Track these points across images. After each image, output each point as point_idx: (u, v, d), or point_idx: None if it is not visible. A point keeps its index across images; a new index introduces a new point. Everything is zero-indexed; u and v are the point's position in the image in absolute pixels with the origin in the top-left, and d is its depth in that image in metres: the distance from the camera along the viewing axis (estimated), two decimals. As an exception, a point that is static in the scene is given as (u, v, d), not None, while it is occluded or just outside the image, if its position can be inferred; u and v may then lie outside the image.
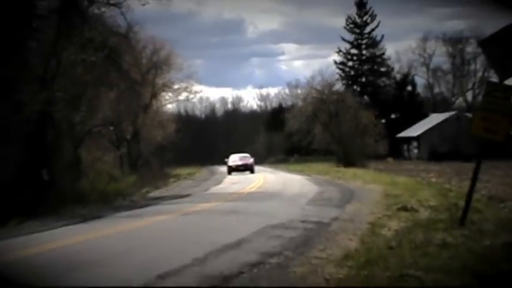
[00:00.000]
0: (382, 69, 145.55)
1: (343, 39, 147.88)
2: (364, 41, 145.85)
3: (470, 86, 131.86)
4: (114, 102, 69.82)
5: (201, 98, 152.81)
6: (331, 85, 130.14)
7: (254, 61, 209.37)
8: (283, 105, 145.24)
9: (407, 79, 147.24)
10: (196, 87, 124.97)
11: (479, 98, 35.04)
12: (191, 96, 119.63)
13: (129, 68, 70.83)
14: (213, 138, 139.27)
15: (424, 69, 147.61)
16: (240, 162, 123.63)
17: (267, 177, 79.30)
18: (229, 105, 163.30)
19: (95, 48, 59.18)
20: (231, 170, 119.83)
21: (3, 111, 49.63)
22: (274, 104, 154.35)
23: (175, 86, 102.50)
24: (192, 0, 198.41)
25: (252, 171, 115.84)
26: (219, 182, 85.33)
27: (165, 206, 47.90)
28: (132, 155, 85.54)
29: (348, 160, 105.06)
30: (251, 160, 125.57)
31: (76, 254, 27.05)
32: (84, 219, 40.24)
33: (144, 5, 59.93)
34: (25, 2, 53.19)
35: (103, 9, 58.89)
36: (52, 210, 44.83)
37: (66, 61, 55.88)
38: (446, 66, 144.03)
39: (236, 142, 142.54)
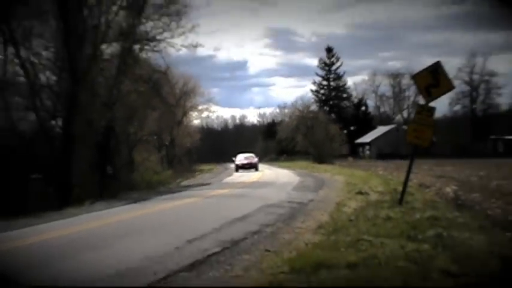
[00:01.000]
0: (344, 95, 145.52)
1: (317, 74, 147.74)
2: (331, 76, 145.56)
3: (405, 107, 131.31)
4: (156, 119, 70.05)
5: (217, 116, 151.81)
6: (308, 106, 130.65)
7: (254, 89, 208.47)
8: (275, 120, 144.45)
9: (361, 102, 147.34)
10: (214, 108, 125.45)
11: (412, 115, 35.32)
12: (210, 114, 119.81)
13: (166, 95, 71.23)
14: (225, 144, 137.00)
15: (373, 95, 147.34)
16: (245, 161, 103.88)
17: (264, 171, 78.81)
18: (237, 121, 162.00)
19: (143, 81, 59.72)
20: (238, 168, 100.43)
21: (81, 126, 50.03)
22: (269, 120, 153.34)
23: (199, 107, 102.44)
24: (210, 47, 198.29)
25: (256, 169, 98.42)
26: (230, 174, 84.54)
27: (192, 192, 47.95)
28: (169, 156, 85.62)
29: (320, 159, 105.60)
30: (255, 159, 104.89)
31: (131, 224, 27.59)
32: (135, 201, 40.43)
33: (178, 51, 60.03)
34: (95, 49, 53.52)
35: (149, 54, 59.10)
36: (113, 195, 45.14)
37: (123, 91, 56.24)
38: (389, 93, 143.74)
39: (242, 147, 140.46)
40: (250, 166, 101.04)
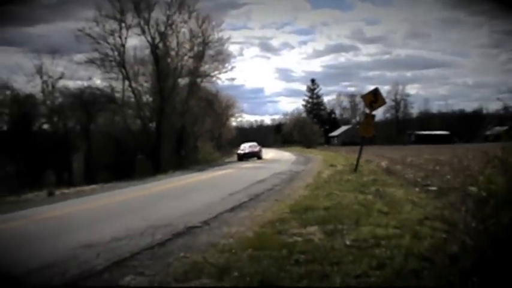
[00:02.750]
0: (322, 107, 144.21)
1: (305, 95, 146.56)
2: (314, 96, 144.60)
3: (357, 114, 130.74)
4: (210, 122, 69.93)
5: (247, 120, 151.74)
6: (300, 114, 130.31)
7: (268, 104, 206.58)
8: (281, 122, 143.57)
9: (332, 111, 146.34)
10: (244, 115, 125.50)
11: (362, 119, 35.64)
12: (242, 119, 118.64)
13: (216, 108, 71.14)
14: (251, 136, 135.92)
15: (338, 107, 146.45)
16: (248, 150, 70.25)
17: (274, 153, 78.79)
18: (258, 123, 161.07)
19: (203, 100, 59.77)
20: (240, 157, 65.36)
21: (166, 127, 50.09)
22: (277, 122, 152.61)
23: (236, 115, 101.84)
24: (242, 79, 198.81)
25: (259, 157, 65.00)
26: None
27: (231, 165, 47.78)
28: (218, 144, 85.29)
29: (308, 145, 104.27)
30: (258, 148, 71.00)
31: (195, 184, 27.50)
32: (199, 170, 40.56)
33: (223, 82, 60.10)
34: (174, 82, 53.57)
35: (206, 84, 59.21)
36: (185, 167, 45.05)
37: (191, 106, 56.24)
38: (348, 106, 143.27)
39: (260, 139, 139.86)
40: (252, 155, 64.58)
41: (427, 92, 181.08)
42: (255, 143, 64.68)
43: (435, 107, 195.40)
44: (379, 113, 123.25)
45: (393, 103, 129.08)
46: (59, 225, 15.00)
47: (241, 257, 8.49)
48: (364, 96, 28.28)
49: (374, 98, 26.93)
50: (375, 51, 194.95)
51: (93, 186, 32.65)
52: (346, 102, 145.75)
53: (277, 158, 58.24)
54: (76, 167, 55.40)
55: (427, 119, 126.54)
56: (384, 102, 29.15)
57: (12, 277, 7.48)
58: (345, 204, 13.82)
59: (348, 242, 9.12)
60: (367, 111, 27.97)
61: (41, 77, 52.96)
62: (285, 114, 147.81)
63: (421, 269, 7.33)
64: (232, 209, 15.38)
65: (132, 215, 15.66)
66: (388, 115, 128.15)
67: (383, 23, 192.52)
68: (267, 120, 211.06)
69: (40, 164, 50.98)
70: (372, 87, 34.68)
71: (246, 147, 62.62)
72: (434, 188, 16.90)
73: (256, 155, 59.86)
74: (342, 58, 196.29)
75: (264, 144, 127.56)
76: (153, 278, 7.74)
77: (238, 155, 60.43)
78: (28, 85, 52.72)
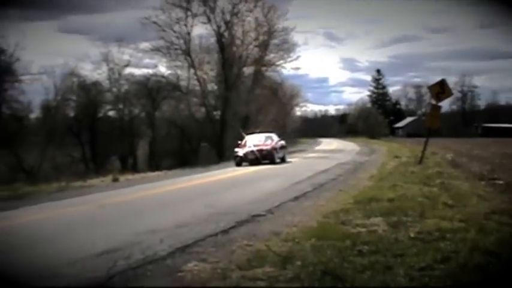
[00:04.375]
0: (387, 98, 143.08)
1: (370, 85, 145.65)
2: (379, 86, 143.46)
3: (423, 105, 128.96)
4: (275, 111, 69.84)
5: (311, 110, 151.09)
6: (365, 104, 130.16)
7: (333, 94, 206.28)
8: (345, 112, 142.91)
9: (397, 102, 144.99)
10: (308, 105, 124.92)
11: (427, 110, 35.29)
12: (306, 108, 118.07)
13: (281, 97, 71.13)
14: (315, 126, 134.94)
15: (404, 98, 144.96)
16: (253, 148, 34.30)
17: (338, 144, 78.23)
18: (322, 113, 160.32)
19: (267, 89, 59.81)
20: (239, 161, 33.96)
21: (230, 116, 50.18)
22: (341, 112, 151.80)
23: (300, 104, 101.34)
24: (306, 68, 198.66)
25: (273, 162, 33.59)
26: (319, 145, 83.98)
27: (295, 155, 47.71)
28: (282, 133, 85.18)
29: (372, 136, 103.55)
30: (274, 143, 35.70)
31: (259, 173, 27.52)
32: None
33: (288, 71, 60.07)
34: (239, 70, 53.67)
35: (271, 73, 59.17)
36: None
37: (255, 94, 56.29)
38: (413, 97, 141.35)
39: (326, 128, 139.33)
40: (262, 156, 33.95)
41: (495, 83, 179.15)
42: (271, 135, 36.98)
43: (503, 99, 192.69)
44: (445, 105, 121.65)
45: (460, 94, 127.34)
46: (123, 210, 15.22)
47: (304, 246, 8.51)
48: (431, 87, 27.94)
49: (441, 89, 26.63)
50: (442, 41, 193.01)
51: (157, 172, 33.03)
52: (411, 93, 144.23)
53: (341, 149, 58.04)
54: (140, 154, 56.00)
55: (495, 112, 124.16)
56: (450, 94, 28.91)
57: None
58: (409, 196, 13.72)
59: (412, 234, 9.06)
60: (433, 102, 27.67)
61: (108, 65, 53.67)
62: (350, 105, 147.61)
63: (486, 263, 7.24)
64: (295, 198, 15.40)
65: (196, 202, 15.81)
66: (454, 107, 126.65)
67: (450, 12, 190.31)
68: (331, 110, 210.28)
69: (105, 150, 51.73)
70: (437, 78, 34.40)
71: (251, 143, 34.82)
72: (501, 182, 16.68)
73: (269, 157, 33.56)
74: (408, 48, 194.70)
75: (328, 134, 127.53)
76: (215, 265, 7.78)
77: (237, 157, 33.95)
78: (95, 72, 53.44)
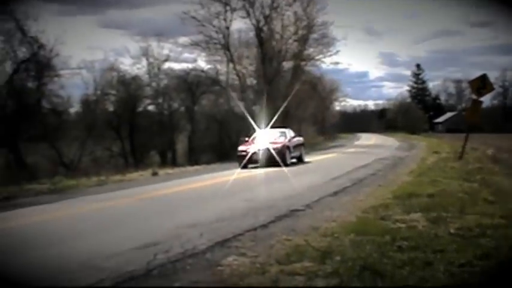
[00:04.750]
0: (426, 93, 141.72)
1: (410, 80, 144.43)
2: (418, 81, 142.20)
3: (463, 100, 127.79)
4: (314, 106, 69.75)
5: (350, 105, 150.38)
6: (405, 99, 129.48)
7: (372, 89, 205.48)
8: (385, 107, 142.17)
9: (436, 97, 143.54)
10: (348, 100, 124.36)
11: (468, 105, 34.92)
12: (345, 103, 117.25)
13: (320, 92, 71.12)
14: (354, 122, 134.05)
15: (444, 93, 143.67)
16: (260, 147, 28.23)
17: (378, 139, 77.96)
18: (362, 108, 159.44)
19: (306, 83, 59.80)
20: (244, 161, 27.70)
21: (270, 110, 50.24)
22: (380, 107, 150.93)
23: (339, 99, 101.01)
24: (344, 63, 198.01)
25: (284, 163, 26.81)
26: (358, 140, 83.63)
27: (334, 149, 47.79)
28: (321, 128, 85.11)
29: (412, 132, 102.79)
30: (286, 140, 29.41)
31: (300, 168, 27.55)
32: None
33: (327, 65, 60.10)
34: (278, 65, 53.72)
35: (310, 67, 59.20)
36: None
37: (294, 89, 56.29)
38: (453, 91, 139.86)
39: (365, 123, 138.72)
40: (269, 157, 27.58)
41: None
42: (285, 130, 31.55)
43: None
44: (486, 100, 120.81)
45: (501, 89, 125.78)
46: (162, 204, 15.35)
47: (343, 241, 8.51)
48: (472, 82, 27.69)
49: (482, 84, 26.38)
50: (483, 35, 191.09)
51: (196, 167, 33.15)
52: (451, 88, 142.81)
53: (380, 144, 57.82)
54: (179, 148, 56.21)
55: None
56: (492, 89, 28.66)
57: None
58: (449, 192, 13.64)
59: (452, 230, 9.02)
60: (474, 97, 27.43)
61: (147, 59, 53.95)
62: (389, 100, 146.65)
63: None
64: (334, 193, 15.40)
65: (236, 196, 15.86)
66: (495, 102, 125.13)
67: (491, 6, 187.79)
68: (371, 105, 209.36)
69: (144, 145, 52.01)
70: (478, 73, 34.15)
71: (260, 140, 29.43)
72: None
73: (279, 158, 27.21)
74: (448, 43, 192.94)
75: (367, 129, 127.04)
76: (254, 259, 7.81)
77: (240, 157, 28.11)
78: (134, 67, 53.73)
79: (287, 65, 56.49)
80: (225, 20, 51.24)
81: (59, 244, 9.92)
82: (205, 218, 11.76)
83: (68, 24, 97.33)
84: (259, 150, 28.08)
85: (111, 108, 53.22)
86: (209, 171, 27.76)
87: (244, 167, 27.44)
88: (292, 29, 54.74)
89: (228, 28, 51.54)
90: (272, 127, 33.48)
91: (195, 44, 52.28)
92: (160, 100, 54.42)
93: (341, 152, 42.64)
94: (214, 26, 51.40)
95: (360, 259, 7.23)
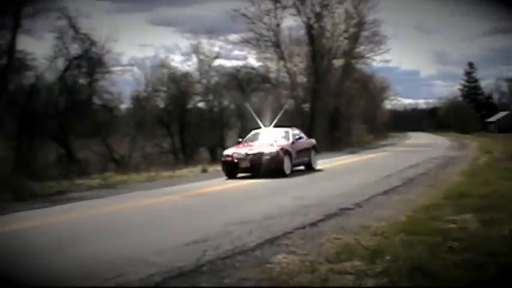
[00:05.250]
0: (479, 92, 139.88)
1: (462, 79, 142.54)
2: (471, 80, 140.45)
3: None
4: (364, 104, 69.52)
5: (401, 103, 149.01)
6: (456, 98, 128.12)
7: (423, 88, 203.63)
8: (436, 106, 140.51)
9: (489, 96, 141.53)
10: (399, 99, 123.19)
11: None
12: (396, 102, 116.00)
13: (371, 90, 70.88)
14: (406, 120, 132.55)
15: (497, 92, 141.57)
16: (249, 151, 22.27)
17: (428, 138, 77.18)
18: (412, 107, 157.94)
19: (357, 81, 59.61)
20: (229, 167, 22.44)
21: (320, 108, 50.20)
22: (431, 106, 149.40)
23: (390, 98, 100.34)
24: (394, 61, 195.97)
25: (280, 172, 21.48)
26: (408, 139, 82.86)
27: (384, 148, 47.53)
28: (371, 127, 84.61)
29: (463, 131, 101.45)
30: (287, 143, 23.25)
31: (349, 165, 27.49)
32: (350, 152, 40.67)
33: (378, 63, 59.92)
34: (329, 63, 53.58)
35: (361, 65, 59.25)
36: (338, 149, 44.99)
37: (344, 87, 56.14)
38: (507, 90, 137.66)
39: (415, 122, 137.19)
40: (258, 165, 21.76)
41: None
42: (289, 130, 25.00)
43: None
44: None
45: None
46: (213, 201, 15.46)
47: (393, 241, 8.44)
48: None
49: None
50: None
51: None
52: (504, 87, 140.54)
53: (431, 143, 57.25)
54: (229, 145, 56.36)
55: None
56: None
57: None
58: (502, 193, 13.43)
59: (505, 233, 8.90)
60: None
61: (197, 56, 54.17)
62: (440, 98, 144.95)
63: None
64: (384, 192, 15.33)
65: (285, 193, 15.92)
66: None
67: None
68: (422, 104, 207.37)
69: (194, 141, 52.21)
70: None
71: (254, 143, 23.93)
72: None
73: (274, 165, 21.86)
74: (502, 41, 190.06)
75: (418, 128, 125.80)
76: (304, 258, 7.80)
77: (226, 163, 22.69)
78: (184, 64, 54.08)
79: (337, 62, 56.38)
80: (275, 17, 51.38)
81: (108, 239, 10.09)
82: (255, 215, 11.84)
83: (119, 22, 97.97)
84: (247, 155, 22.14)
85: (161, 104, 53.59)
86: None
87: (231, 175, 22.21)
88: (342, 26, 54.62)
89: (278, 25, 51.69)
90: (276, 126, 26.77)
91: (245, 42, 52.56)
92: (210, 97, 54.62)
93: (391, 151, 42.39)
94: (264, 24, 51.59)
95: (410, 259, 7.16)
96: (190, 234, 9.86)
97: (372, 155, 36.95)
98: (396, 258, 7.26)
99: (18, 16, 23.06)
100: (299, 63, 55.01)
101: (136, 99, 50.43)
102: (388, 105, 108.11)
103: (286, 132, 24.76)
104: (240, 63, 56.06)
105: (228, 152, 23.32)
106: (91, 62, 37.08)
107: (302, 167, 24.51)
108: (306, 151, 24.76)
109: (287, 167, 22.29)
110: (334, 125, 54.80)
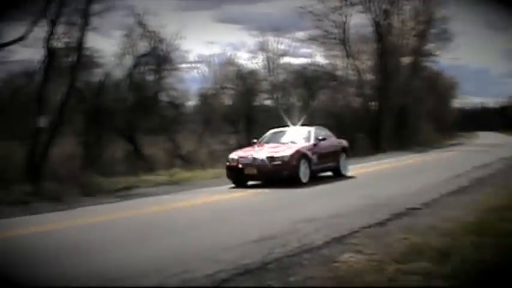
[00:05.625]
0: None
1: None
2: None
3: None
4: (433, 103, 68.83)
5: (470, 102, 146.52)
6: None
7: (493, 86, 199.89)
8: (507, 105, 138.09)
9: None
10: (468, 97, 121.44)
11: None
12: (465, 101, 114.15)
13: (439, 89, 70.24)
14: (474, 119, 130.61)
15: None
16: (257, 156, 18.91)
17: (498, 138, 75.91)
18: (482, 106, 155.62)
19: (425, 79, 59.07)
20: (235, 176, 19.26)
21: (387, 106, 49.80)
22: (502, 105, 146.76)
23: (459, 97, 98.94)
24: (464, 58, 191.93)
25: (295, 180, 18.32)
26: (477, 138, 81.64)
27: (453, 147, 47.13)
28: (439, 126, 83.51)
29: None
30: (305, 145, 19.92)
31: (420, 164, 27.22)
32: (419, 151, 40.33)
33: (446, 62, 59.26)
34: (397, 61, 53.14)
35: (429, 63, 58.69)
36: (405, 148, 44.59)
37: (412, 86, 55.61)
38: None
39: (485, 122, 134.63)
40: (267, 172, 18.57)
41: None
42: (312, 130, 21.82)
43: None
44: None
45: None
46: (280, 198, 15.54)
47: (462, 242, 8.33)
48: None
49: None
50: None
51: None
52: None
53: (502, 143, 56.20)
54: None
55: None
56: None
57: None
58: None
59: None
60: None
61: (264, 54, 54.22)
62: (511, 97, 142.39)
63: None
64: (453, 193, 15.17)
65: (352, 192, 15.96)
66: None
67: None
68: (491, 103, 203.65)
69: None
70: None
71: (269, 145, 20.59)
72: None
73: (286, 172, 18.63)
74: None
75: (487, 128, 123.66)
76: (371, 257, 7.78)
77: (230, 168, 19.50)
78: (251, 61, 54.14)
79: (405, 60, 55.92)
80: (342, 14, 51.18)
81: (175, 234, 10.36)
82: (323, 213, 11.87)
83: (186, 19, 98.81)
84: (254, 160, 18.95)
85: (228, 102, 53.85)
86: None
87: (239, 182, 19.20)
88: (411, 23, 54.14)
89: (345, 23, 51.44)
90: (306, 124, 24.79)
91: (312, 39, 52.49)
92: (277, 95, 54.70)
93: (460, 151, 41.80)
94: (331, 21, 51.42)
95: (480, 262, 7.08)
96: (258, 231, 9.98)
97: (440, 155, 36.55)
98: (466, 260, 7.17)
99: (87, 14, 23.48)
100: (366, 61, 54.76)
101: (203, 96, 50.79)
102: (457, 104, 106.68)
103: (309, 132, 21.42)
104: (307, 60, 56.14)
105: (233, 155, 19.84)
106: (158, 59, 37.43)
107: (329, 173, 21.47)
108: (332, 155, 21.39)
109: (304, 174, 19.03)
110: (402, 124, 54.29)
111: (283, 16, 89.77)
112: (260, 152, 19.36)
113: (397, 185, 17.69)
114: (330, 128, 24.29)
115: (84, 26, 23.55)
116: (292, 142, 20.32)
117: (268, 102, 54.77)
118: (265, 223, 11.04)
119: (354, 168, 24.64)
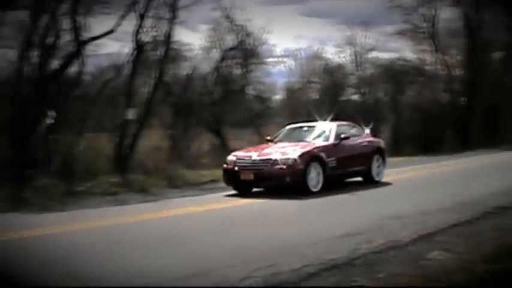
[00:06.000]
0: None
1: None
2: None
3: None
4: None
5: None
6: None
7: None
8: None
9: None
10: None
11: None
12: None
13: None
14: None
15: None
16: (256, 158, 15.67)
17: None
18: None
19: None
20: (232, 180, 16.15)
21: (477, 101, 48.86)
22: None
23: None
24: None
25: (303, 188, 14.95)
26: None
27: (485, 155, 45.92)
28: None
29: None
30: (318, 145, 16.43)
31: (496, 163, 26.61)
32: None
33: None
34: (488, 56, 52.03)
35: None
36: (496, 145, 43.38)
37: (505, 82, 54.46)
38: None
39: None
40: (263, 178, 15.35)
41: None
42: (332, 126, 18.15)
43: None
44: None
45: None
46: (367, 194, 15.45)
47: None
48: None
49: None
50: None
51: (399, 158, 32.99)
52: None
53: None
54: (382, 138, 56.02)
55: None
56: None
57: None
58: None
59: None
60: None
61: (352, 48, 53.95)
62: None
63: None
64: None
65: (440, 189, 15.77)
66: None
67: None
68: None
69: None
70: None
71: (284, 144, 17.03)
72: None
73: (289, 179, 15.16)
74: None
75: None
76: (459, 256, 7.66)
77: (226, 172, 16.39)
78: (338, 56, 53.93)
79: (497, 55, 54.78)
80: (431, 8, 50.52)
81: (260, 227, 10.57)
82: (410, 210, 11.75)
83: (273, 14, 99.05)
84: (253, 162, 15.85)
85: (314, 96, 53.82)
86: (414, 163, 27.82)
87: (238, 189, 16.34)
88: (502, 17, 53.01)
89: (434, 17, 50.76)
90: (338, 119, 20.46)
91: (400, 33, 51.94)
92: (364, 89, 54.40)
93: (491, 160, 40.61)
94: (420, 15, 50.82)
95: None
96: (344, 227, 9.98)
97: (481, 162, 35.49)
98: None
99: (175, 7, 23.85)
100: (455, 55, 53.87)
101: (290, 91, 50.90)
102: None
103: (329, 129, 17.84)
104: (395, 55, 55.52)
105: (232, 156, 16.72)
106: (245, 53, 37.67)
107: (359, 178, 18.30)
108: (361, 157, 17.87)
109: (314, 181, 15.67)
110: (492, 121, 53.13)
111: (371, 10, 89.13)
112: (263, 152, 16.26)
113: (486, 183, 16.90)
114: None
115: (172, 19, 23.93)
116: (308, 141, 17.15)
117: (355, 97, 54.55)
118: (351, 218, 10.96)
119: (445, 164, 24.33)
